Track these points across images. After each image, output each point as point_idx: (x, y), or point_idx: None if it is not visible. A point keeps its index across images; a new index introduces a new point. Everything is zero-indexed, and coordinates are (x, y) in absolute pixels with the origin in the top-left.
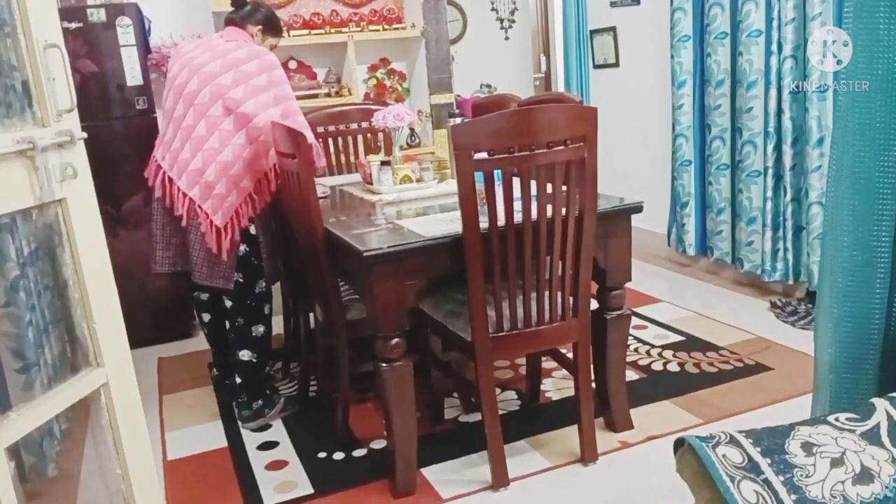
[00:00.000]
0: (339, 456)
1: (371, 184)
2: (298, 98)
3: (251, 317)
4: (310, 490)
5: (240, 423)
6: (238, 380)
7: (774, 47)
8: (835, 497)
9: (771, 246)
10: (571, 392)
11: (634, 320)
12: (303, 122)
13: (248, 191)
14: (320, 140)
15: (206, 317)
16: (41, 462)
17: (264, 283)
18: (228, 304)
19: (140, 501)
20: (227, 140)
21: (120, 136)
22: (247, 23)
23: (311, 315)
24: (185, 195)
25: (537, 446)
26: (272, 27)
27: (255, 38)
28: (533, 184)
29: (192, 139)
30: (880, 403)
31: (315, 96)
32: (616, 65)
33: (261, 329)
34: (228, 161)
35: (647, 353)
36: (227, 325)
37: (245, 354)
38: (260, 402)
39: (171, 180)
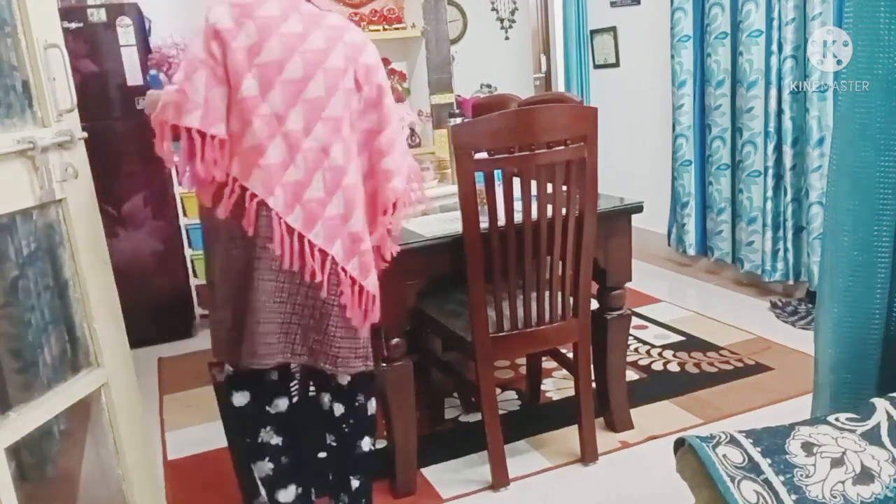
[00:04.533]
0: None
1: None
2: None
3: (370, 389)
4: None
5: None
6: (356, 483)
7: (775, 47)
8: (835, 497)
9: (771, 246)
10: (571, 392)
11: (635, 320)
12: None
13: (388, 230)
14: None
15: (284, 404)
16: (41, 462)
17: None
18: (345, 381)
19: (140, 501)
20: (361, 170)
21: (120, 136)
22: None
23: None
24: (324, 254)
25: (537, 446)
26: None
27: None
28: (533, 184)
29: (326, 170)
30: (880, 403)
31: None
32: (616, 65)
33: (374, 403)
34: (365, 196)
35: (648, 353)
36: (341, 410)
37: (366, 443)
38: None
39: (290, 229)
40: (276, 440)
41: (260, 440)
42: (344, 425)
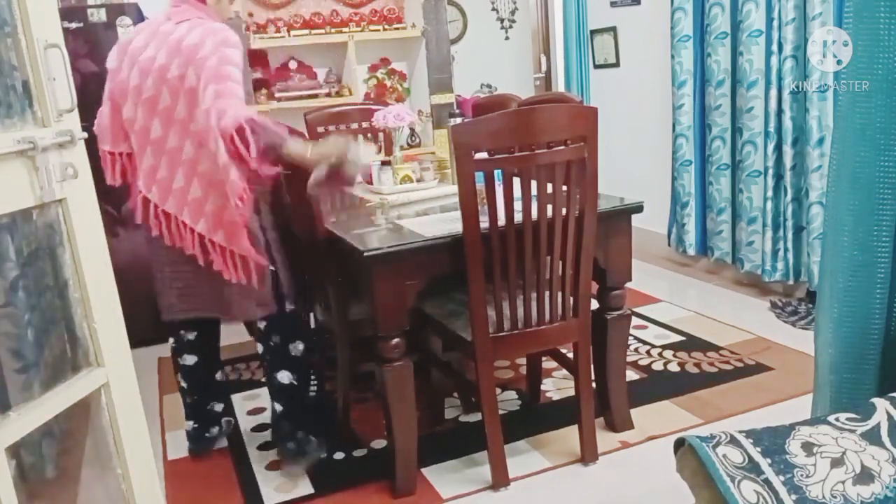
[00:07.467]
0: (339, 456)
1: (371, 184)
2: (298, 98)
3: (287, 333)
4: (310, 490)
5: (284, 462)
6: (279, 408)
7: (775, 47)
8: (835, 497)
9: (771, 246)
10: (572, 392)
11: (635, 320)
12: (232, 105)
13: (242, 191)
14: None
15: (191, 360)
16: (41, 462)
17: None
18: (262, 325)
19: (140, 501)
20: (216, 158)
21: None
22: None
23: (312, 315)
24: (192, 231)
25: (537, 446)
26: None
27: (209, 4)
28: (533, 184)
29: (183, 163)
30: (880, 403)
31: (315, 96)
32: (616, 65)
33: (300, 347)
34: (220, 178)
35: (648, 353)
36: (261, 348)
37: (284, 377)
38: (305, 433)
39: (167, 215)
40: (184, 384)
41: (178, 380)
42: (264, 361)
